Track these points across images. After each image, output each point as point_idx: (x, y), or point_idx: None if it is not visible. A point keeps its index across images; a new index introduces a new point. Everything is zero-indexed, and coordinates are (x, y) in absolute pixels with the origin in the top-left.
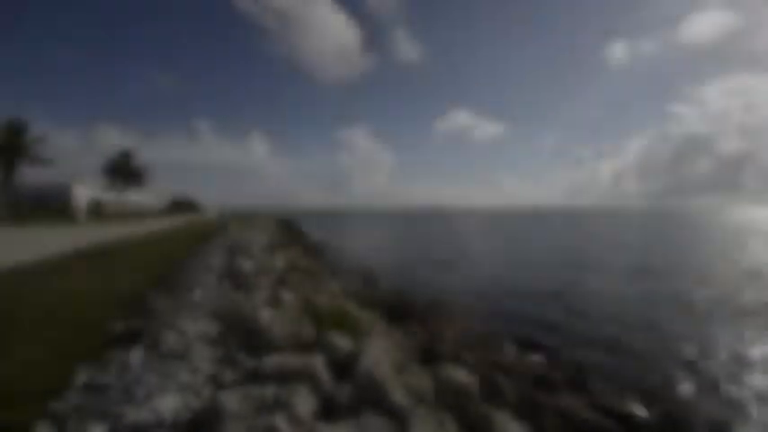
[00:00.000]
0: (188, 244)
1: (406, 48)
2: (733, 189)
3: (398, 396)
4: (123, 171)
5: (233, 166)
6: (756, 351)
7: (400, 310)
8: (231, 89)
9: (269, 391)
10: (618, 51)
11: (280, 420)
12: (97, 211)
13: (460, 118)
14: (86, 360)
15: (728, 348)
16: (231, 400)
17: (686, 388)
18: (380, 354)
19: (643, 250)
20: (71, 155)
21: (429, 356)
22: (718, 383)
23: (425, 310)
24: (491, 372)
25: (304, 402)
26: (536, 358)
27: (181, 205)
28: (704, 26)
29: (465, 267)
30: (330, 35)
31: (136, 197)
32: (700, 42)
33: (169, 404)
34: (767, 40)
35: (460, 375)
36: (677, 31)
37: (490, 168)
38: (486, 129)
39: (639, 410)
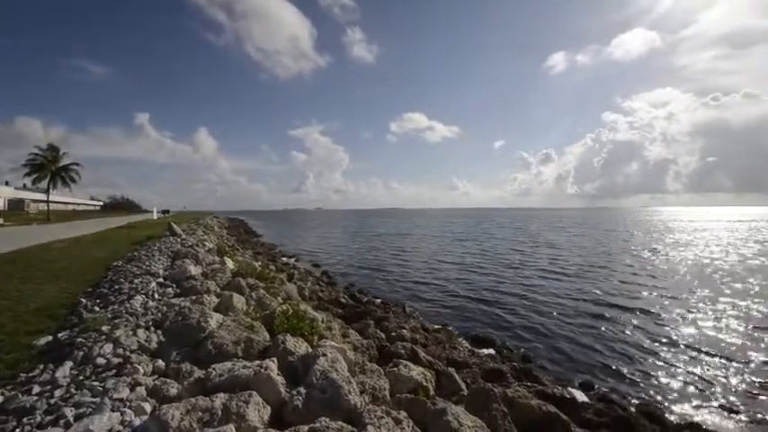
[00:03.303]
0: (126, 247)
1: (361, 49)
2: (657, 191)
3: (355, 397)
4: (50, 168)
5: (179, 163)
6: (676, 338)
7: (356, 311)
8: (174, 82)
9: (218, 401)
10: (558, 64)
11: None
12: (19, 212)
13: (414, 120)
14: (5, 379)
15: (654, 335)
16: (175, 414)
17: (618, 372)
18: (337, 355)
19: (576, 250)
20: None
21: (385, 355)
22: (645, 366)
23: (381, 310)
24: (446, 367)
25: (256, 411)
26: (487, 352)
27: (119, 205)
28: (632, 44)
29: (418, 267)
30: (281, 31)
31: (66, 197)
32: (628, 58)
33: (104, 424)
34: (685, 58)
35: (416, 373)
36: (609, 47)
37: (443, 170)
38: (440, 132)
39: (579, 395)
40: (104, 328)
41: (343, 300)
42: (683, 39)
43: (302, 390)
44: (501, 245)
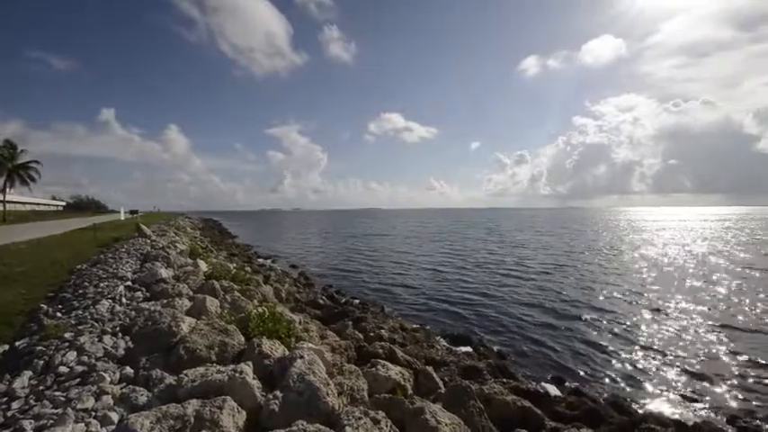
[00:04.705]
0: (91, 250)
1: (338, 47)
2: (624, 192)
3: (333, 399)
4: (6, 166)
5: (149, 162)
6: (639, 333)
7: (334, 312)
8: (142, 78)
9: (190, 408)
10: (531, 67)
11: None
12: None
13: (392, 120)
14: None
15: (619, 331)
16: (144, 423)
17: (588, 366)
18: (314, 357)
19: (545, 250)
20: None
21: (364, 356)
22: (612, 360)
23: (359, 310)
24: (424, 366)
25: (231, 416)
26: (464, 350)
27: (84, 206)
28: (600, 51)
29: (396, 268)
30: (256, 27)
31: (24, 196)
32: (597, 64)
33: None
34: (649, 65)
35: (395, 372)
36: (579, 53)
37: (421, 170)
38: (417, 132)
39: (552, 389)
40: (67, 334)
41: (320, 301)
42: (647, 47)
43: (279, 393)
44: (475, 245)
